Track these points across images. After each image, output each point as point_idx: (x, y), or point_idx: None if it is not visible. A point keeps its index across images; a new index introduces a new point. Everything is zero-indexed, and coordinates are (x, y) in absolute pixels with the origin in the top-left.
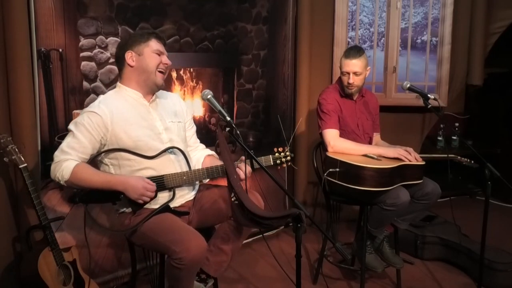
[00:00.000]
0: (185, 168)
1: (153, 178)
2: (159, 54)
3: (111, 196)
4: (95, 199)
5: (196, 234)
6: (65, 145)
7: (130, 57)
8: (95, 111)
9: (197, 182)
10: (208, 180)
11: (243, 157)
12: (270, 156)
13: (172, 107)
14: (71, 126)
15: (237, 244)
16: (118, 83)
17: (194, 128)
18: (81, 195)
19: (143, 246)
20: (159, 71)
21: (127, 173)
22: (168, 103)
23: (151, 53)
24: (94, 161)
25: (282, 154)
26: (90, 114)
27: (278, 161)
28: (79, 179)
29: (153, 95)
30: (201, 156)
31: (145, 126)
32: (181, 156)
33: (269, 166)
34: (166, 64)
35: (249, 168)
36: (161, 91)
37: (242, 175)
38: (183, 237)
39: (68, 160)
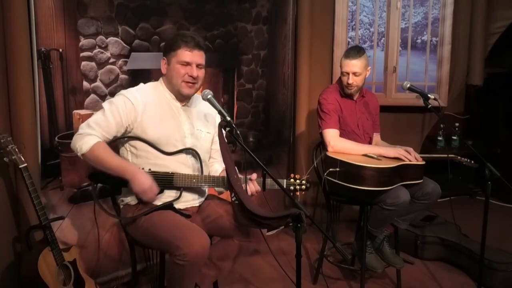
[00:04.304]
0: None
1: (163, 174)
2: (186, 64)
3: (121, 180)
4: (105, 179)
5: (199, 231)
6: (92, 120)
7: (163, 64)
8: (130, 99)
9: (206, 192)
10: (221, 191)
11: (255, 174)
12: (285, 180)
13: (205, 117)
14: (105, 104)
15: (230, 264)
16: (161, 78)
17: None
18: (92, 173)
19: (144, 243)
20: (185, 82)
21: (142, 164)
22: (203, 112)
23: (176, 64)
24: (116, 142)
25: (297, 181)
26: (125, 99)
27: (291, 187)
28: (95, 156)
29: (184, 101)
30: (219, 167)
31: (172, 126)
32: (199, 164)
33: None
34: (192, 76)
35: (258, 187)
36: (200, 99)
37: (253, 190)
38: (187, 233)
39: (91, 135)
